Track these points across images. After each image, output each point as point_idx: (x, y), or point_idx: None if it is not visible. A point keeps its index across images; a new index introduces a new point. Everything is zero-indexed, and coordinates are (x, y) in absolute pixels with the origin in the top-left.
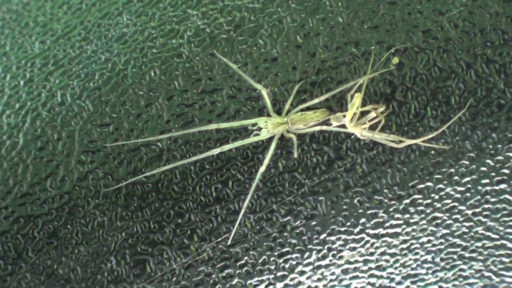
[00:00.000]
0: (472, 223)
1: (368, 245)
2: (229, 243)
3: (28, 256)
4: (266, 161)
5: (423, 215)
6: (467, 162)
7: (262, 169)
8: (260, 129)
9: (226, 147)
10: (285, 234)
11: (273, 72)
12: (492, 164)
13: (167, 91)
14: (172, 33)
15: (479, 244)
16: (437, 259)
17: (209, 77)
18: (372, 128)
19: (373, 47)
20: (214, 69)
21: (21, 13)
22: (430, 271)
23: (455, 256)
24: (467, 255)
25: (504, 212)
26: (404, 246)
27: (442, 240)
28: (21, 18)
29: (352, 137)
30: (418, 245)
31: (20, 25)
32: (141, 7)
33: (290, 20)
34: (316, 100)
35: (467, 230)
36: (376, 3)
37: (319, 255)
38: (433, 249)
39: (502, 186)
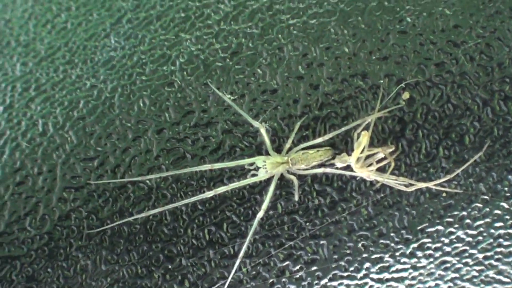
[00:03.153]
0: (483, 267)
1: None
2: None
3: None
4: (265, 206)
5: (431, 259)
6: (480, 205)
7: (260, 214)
8: (258, 168)
9: (221, 190)
10: (284, 279)
11: (273, 106)
12: (507, 207)
13: (157, 124)
14: (163, 58)
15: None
16: None
17: (203, 109)
18: (380, 169)
19: (382, 81)
20: (208, 100)
21: (2, 31)
22: None
23: None
24: None
25: None
26: None
27: (451, 284)
28: (2, 36)
29: (358, 178)
30: None
31: (0, 44)
32: (130, 28)
33: (292, 49)
34: (319, 139)
35: (477, 274)
36: (385, 32)
37: None
38: None
39: None
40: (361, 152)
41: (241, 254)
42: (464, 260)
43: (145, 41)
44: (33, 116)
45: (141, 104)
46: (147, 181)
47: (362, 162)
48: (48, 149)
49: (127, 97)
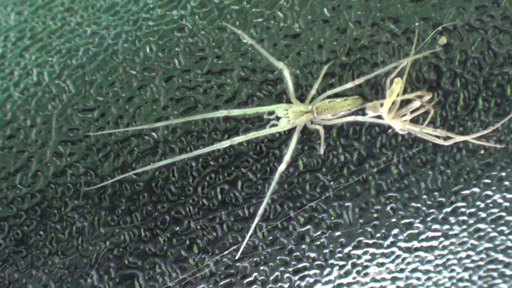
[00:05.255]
0: None
1: (399, 260)
2: (237, 257)
3: None
4: (287, 158)
5: (464, 226)
6: None
7: (282, 167)
8: (278, 118)
9: (237, 140)
10: (303, 246)
11: (295, 51)
12: None
13: (165, 71)
14: (172, 3)
15: None
16: (475, 277)
17: (217, 55)
18: (414, 121)
19: (416, 24)
20: (222, 45)
21: None
22: None
23: (495, 274)
24: (508, 272)
25: None
26: (440, 262)
27: (483, 256)
28: None
29: (389, 131)
30: (455, 261)
31: None
32: None
33: None
34: (349, 84)
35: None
36: None
37: (341, 272)
38: (472, 265)
39: None
40: (394, 100)
41: (259, 212)
42: (499, 228)
43: None
44: (27, 65)
45: (148, 50)
46: (153, 133)
47: (395, 112)
48: (42, 99)
49: (132, 43)
